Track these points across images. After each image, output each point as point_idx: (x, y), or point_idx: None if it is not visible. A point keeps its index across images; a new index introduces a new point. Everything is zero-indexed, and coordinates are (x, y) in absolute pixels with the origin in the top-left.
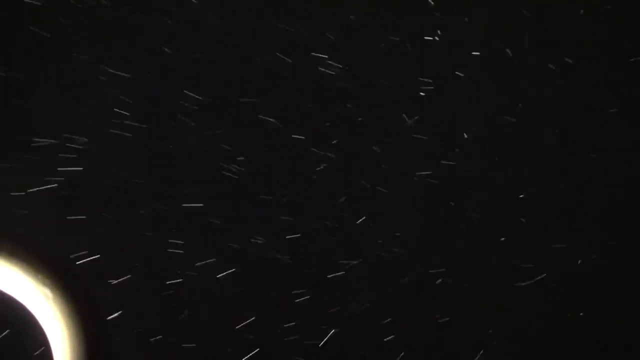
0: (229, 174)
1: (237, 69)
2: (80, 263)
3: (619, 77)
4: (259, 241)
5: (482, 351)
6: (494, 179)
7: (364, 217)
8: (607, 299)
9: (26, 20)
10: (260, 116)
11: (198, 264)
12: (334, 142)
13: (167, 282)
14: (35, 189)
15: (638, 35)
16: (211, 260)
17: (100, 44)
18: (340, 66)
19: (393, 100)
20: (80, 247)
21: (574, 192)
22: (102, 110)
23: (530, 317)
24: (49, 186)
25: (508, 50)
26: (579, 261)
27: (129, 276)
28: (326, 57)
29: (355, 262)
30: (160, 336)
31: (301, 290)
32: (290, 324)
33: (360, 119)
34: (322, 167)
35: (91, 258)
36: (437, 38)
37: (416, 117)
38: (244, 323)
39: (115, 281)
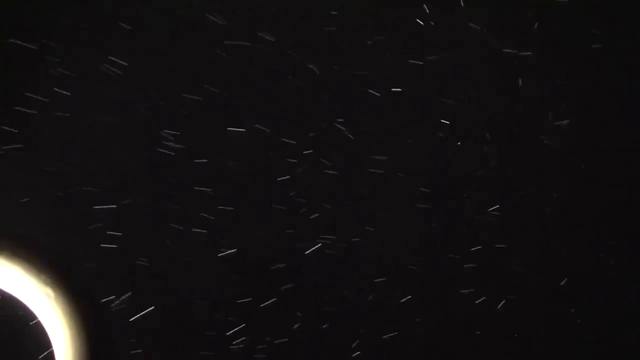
0: (229, 175)
1: (238, 69)
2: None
3: (619, 77)
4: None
5: (483, 351)
6: (493, 179)
7: (364, 217)
8: (608, 299)
9: (26, 20)
10: (261, 116)
11: (198, 265)
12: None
13: (168, 282)
14: (35, 189)
15: (638, 35)
16: (211, 261)
17: (100, 42)
18: (341, 66)
19: (393, 101)
20: (81, 247)
21: (573, 192)
22: (102, 110)
23: (530, 316)
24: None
25: (508, 50)
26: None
27: (128, 276)
28: (326, 57)
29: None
30: (161, 336)
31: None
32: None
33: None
34: (323, 168)
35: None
36: (436, 37)
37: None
38: (241, 325)
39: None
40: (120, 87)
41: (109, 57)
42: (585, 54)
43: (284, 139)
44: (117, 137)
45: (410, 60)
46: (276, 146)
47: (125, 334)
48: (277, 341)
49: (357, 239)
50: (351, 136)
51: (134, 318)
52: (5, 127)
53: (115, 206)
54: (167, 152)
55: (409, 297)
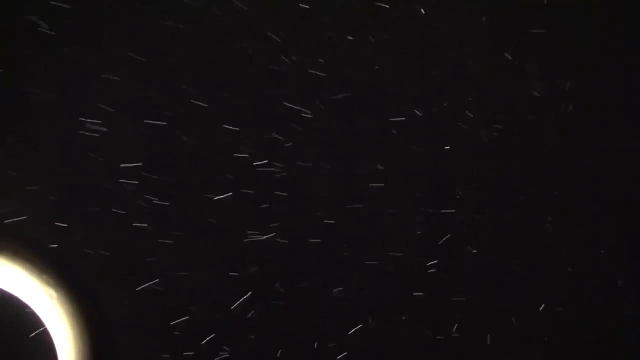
0: (229, 175)
1: (239, 70)
2: (82, 262)
3: (619, 78)
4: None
5: (483, 352)
6: (493, 179)
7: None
8: (609, 298)
9: (26, 19)
10: (261, 116)
11: (199, 265)
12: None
13: (168, 283)
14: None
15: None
16: (211, 261)
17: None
18: (341, 66)
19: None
20: (82, 247)
21: (574, 192)
22: (103, 110)
23: (529, 317)
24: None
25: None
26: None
27: (129, 276)
28: (326, 58)
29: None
30: (162, 336)
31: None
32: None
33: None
34: (323, 169)
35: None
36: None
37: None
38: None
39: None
40: (120, 87)
41: (109, 57)
42: (585, 54)
43: (283, 140)
44: (117, 137)
45: (409, 60)
46: (275, 146)
47: (126, 334)
48: (278, 341)
49: (357, 240)
50: (351, 136)
51: (135, 319)
52: (5, 127)
53: (115, 207)
54: (167, 152)
55: (409, 298)
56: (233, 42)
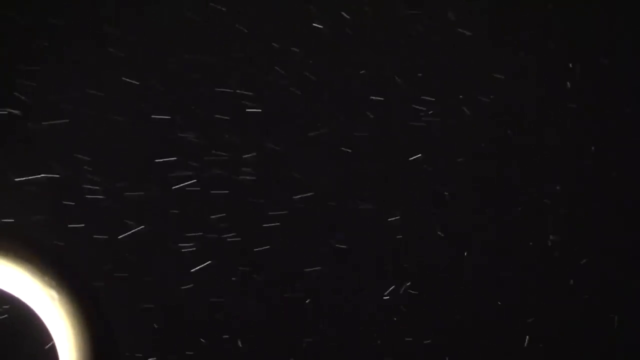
0: (229, 175)
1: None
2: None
3: (620, 78)
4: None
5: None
6: (494, 179)
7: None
8: (609, 298)
9: (26, 19)
10: (260, 117)
11: (200, 265)
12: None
13: (169, 283)
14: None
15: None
16: (213, 262)
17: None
18: (341, 66)
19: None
20: (83, 248)
21: (574, 192)
22: (103, 110)
23: (530, 317)
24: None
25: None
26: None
27: (130, 277)
28: (326, 58)
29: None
30: (163, 337)
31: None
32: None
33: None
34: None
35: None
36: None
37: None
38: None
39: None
40: (121, 87)
41: (109, 58)
42: (585, 54)
43: (281, 139)
44: (118, 137)
45: (409, 61)
46: (274, 146)
47: (128, 335)
48: (278, 341)
49: (357, 239)
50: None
51: (137, 319)
52: (5, 127)
53: (116, 207)
54: (168, 151)
55: (410, 299)
56: (234, 43)
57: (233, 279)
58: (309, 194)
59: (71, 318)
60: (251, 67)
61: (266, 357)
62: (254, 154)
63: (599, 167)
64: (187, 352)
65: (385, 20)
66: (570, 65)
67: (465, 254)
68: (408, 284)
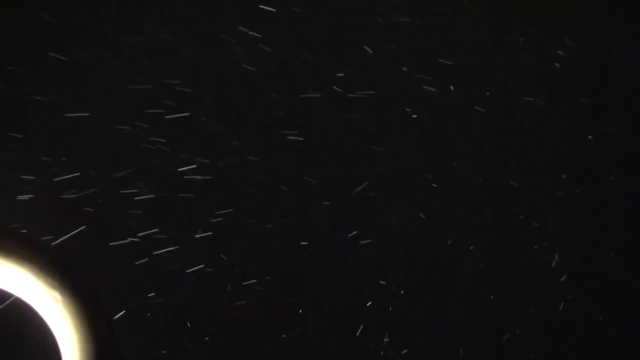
0: (228, 175)
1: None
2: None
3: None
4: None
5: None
6: (493, 179)
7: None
8: (610, 299)
9: (26, 19)
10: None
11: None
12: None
13: (172, 284)
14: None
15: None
16: (213, 263)
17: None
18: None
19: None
20: (85, 249)
21: (575, 193)
22: (103, 109)
23: (529, 317)
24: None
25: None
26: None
27: (132, 278)
28: (325, 58)
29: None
30: (165, 338)
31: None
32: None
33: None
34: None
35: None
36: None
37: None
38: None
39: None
40: (122, 86)
41: (111, 58)
42: (586, 53)
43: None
44: (119, 137)
45: (410, 61)
46: (274, 146)
47: (130, 337)
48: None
49: (357, 240)
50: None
51: (139, 320)
52: (5, 127)
53: (117, 207)
54: (169, 152)
55: (409, 299)
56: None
57: (233, 279)
58: (308, 194)
59: (74, 319)
60: (251, 67)
61: (266, 357)
62: (254, 154)
63: (599, 167)
64: (188, 353)
65: (386, 20)
66: (571, 65)
67: (465, 254)
68: (408, 284)
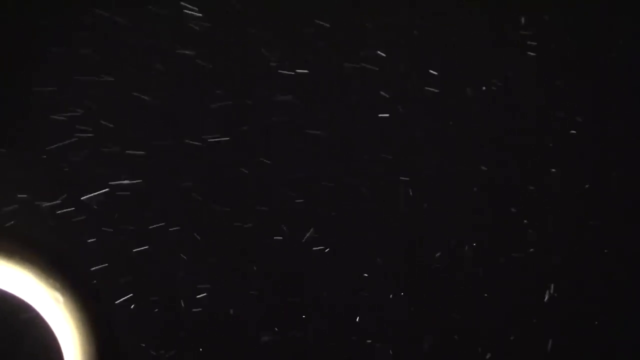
0: (229, 175)
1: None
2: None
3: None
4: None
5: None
6: (493, 178)
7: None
8: (611, 299)
9: (26, 20)
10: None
11: (201, 266)
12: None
13: (175, 285)
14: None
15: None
16: (214, 263)
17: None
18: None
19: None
20: (88, 250)
21: (574, 193)
22: (103, 110)
23: (529, 317)
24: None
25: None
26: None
27: (134, 279)
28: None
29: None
30: (168, 339)
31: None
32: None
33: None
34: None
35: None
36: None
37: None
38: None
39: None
40: (123, 88)
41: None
42: (586, 53)
43: (278, 140)
44: (119, 137)
45: (410, 61)
46: (273, 146)
47: (133, 338)
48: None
49: (357, 240)
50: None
51: (140, 321)
52: (5, 127)
53: (117, 209)
54: (169, 152)
55: (409, 299)
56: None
57: (234, 279)
58: (308, 193)
59: (76, 320)
60: (249, 67)
61: (266, 357)
62: (254, 153)
63: (599, 167)
64: (188, 353)
65: (386, 19)
66: (571, 64)
67: (465, 254)
68: (407, 284)
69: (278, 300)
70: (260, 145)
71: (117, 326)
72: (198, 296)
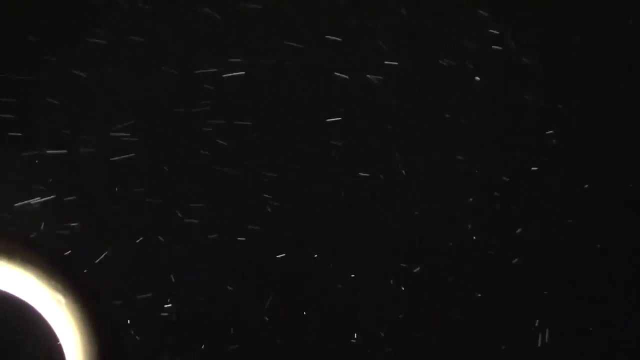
0: (228, 175)
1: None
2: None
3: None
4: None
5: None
6: (493, 179)
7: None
8: (612, 299)
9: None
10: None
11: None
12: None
13: (173, 284)
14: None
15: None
16: (214, 263)
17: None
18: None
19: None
20: (90, 251)
21: (574, 194)
22: (105, 114)
23: (529, 317)
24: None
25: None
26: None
27: (136, 280)
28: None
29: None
30: (170, 340)
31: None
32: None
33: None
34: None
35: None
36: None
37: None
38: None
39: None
40: (124, 88)
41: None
42: (587, 53)
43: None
44: (119, 136)
45: (410, 61)
46: (273, 146)
47: (134, 339)
48: (275, 341)
49: (357, 240)
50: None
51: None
52: (6, 128)
53: (118, 209)
54: (170, 151)
55: (409, 299)
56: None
57: (234, 279)
58: (308, 194)
59: (78, 321)
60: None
61: (266, 357)
62: (254, 153)
63: (599, 167)
64: (189, 353)
65: (385, 20)
66: (571, 65)
67: (465, 254)
68: (407, 284)
69: (278, 300)
70: (260, 146)
71: (118, 327)
72: (199, 296)
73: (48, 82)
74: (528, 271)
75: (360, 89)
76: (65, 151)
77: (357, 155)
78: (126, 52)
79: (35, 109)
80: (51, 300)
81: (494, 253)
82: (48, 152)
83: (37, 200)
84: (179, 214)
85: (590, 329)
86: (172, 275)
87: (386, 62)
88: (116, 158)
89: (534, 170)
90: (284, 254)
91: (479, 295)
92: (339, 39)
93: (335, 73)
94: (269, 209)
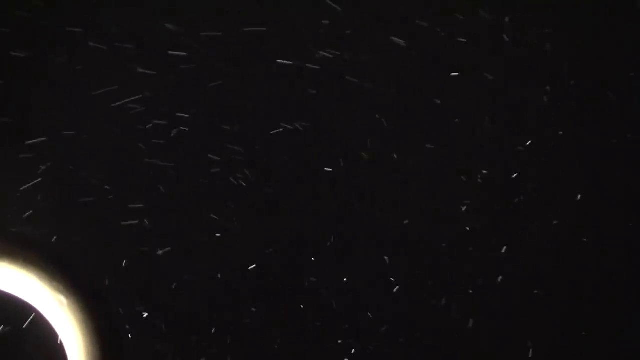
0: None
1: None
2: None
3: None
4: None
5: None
6: (494, 179)
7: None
8: (613, 299)
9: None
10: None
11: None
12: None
13: (175, 284)
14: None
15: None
16: (215, 263)
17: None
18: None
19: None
20: (91, 252)
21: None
22: (104, 110)
23: (528, 317)
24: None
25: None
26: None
27: (138, 282)
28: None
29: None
30: (172, 342)
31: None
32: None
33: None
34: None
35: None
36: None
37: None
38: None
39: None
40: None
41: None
42: (587, 53)
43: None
44: (119, 135)
45: (411, 62)
46: (273, 146)
47: (135, 339)
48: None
49: (357, 240)
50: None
51: (143, 323)
52: (5, 127)
53: (119, 207)
54: (170, 151)
55: (409, 299)
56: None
57: (234, 279)
58: (308, 193)
59: (80, 322)
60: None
61: (266, 357)
62: (254, 152)
63: (600, 167)
64: (190, 353)
65: (386, 20)
66: (571, 64)
67: (465, 253)
68: (407, 283)
69: (278, 300)
70: (261, 146)
71: (120, 328)
72: (199, 296)
73: (48, 82)
74: (528, 271)
75: (360, 89)
76: (65, 151)
77: (357, 155)
78: (125, 53)
79: (35, 109)
80: (53, 301)
81: (494, 253)
82: (48, 152)
83: (38, 200)
84: (179, 214)
85: (590, 329)
86: (172, 275)
87: (386, 62)
88: (117, 159)
89: (534, 170)
90: (283, 254)
91: (479, 295)
92: (339, 39)
93: (335, 73)
94: (268, 209)
